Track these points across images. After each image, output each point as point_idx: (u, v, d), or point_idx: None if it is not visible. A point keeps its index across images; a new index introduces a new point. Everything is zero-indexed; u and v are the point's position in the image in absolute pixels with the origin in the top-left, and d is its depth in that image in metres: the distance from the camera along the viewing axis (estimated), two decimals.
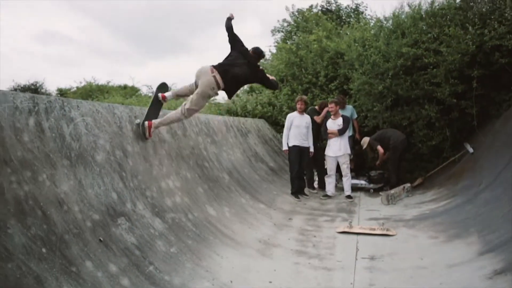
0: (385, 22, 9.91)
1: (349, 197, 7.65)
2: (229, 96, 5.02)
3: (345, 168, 7.67)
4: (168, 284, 3.30)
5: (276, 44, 15.84)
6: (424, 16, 8.77)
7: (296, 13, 16.18)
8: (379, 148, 8.19)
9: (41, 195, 2.89)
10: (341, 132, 7.65)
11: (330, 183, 7.80)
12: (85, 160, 3.57)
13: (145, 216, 3.92)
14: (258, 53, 5.20)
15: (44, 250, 2.62)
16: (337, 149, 7.66)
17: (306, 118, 7.81)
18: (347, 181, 7.69)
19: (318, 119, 8.30)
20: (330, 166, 7.81)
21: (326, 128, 7.87)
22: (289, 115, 7.97)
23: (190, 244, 4.12)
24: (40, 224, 2.73)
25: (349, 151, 7.81)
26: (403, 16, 9.25)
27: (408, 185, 7.91)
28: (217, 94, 4.83)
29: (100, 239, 3.18)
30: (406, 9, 9.36)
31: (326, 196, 7.76)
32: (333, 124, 7.74)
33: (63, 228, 2.91)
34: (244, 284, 3.75)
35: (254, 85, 14.06)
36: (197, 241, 4.27)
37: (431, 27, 8.35)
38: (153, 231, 3.84)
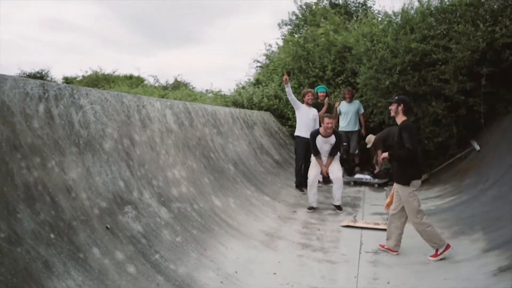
0: (393, 17, 9.82)
1: (338, 207, 6.51)
2: None
3: (338, 176, 6.53)
4: (173, 273, 3.32)
5: (283, 37, 15.74)
6: (433, 11, 8.70)
7: (304, 7, 16.07)
8: (379, 152, 8.10)
9: (50, 181, 2.91)
10: (333, 154, 6.59)
11: (314, 194, 6.49)
12: (93, 148, 3.58)
13: (151, 205, 3.94)
14: None
15: (52, 235, 2.64)
16: (331, 171, 6.59)
17: (314, 110, 7.76)
18: (339, 189, 6.52)
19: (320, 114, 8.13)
20: (313, 176, 6.51)
21: (315, 146, 6.57)
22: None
23: (195, 234, 4.14)
24: (49, 210, 2.75)
25: (340, 168, 6.76)
26: (412, 12, 9.18)
27: None
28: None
29: (107, 227, 3.20)
30: (416, 4, 9.29)
31: (312, 208, 6.47)
32: (324, 144, 6.54)
33: (71, 214, 2.92)
34: (249, 275, 3.78)
35: (261, 77, 14.05)
36: (202, 231, 4.29)
37: (440, 23, 8.28)
38: (159, 220, 3.86)
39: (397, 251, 4.54)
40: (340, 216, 6.14)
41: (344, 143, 8.89)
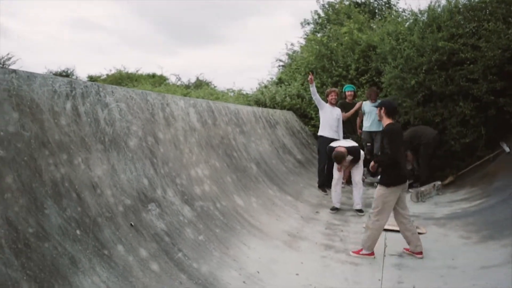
0: (420, 16, 9.62)
1: (360, 211, 6.37)
2: None
3: (358, 180, 6.52)
4: (196, 271, 3.32)
5: (305, 36, 15.65)
6: (461, 9, 8.47)
7: (327, 6, 15.93)
8: (408, 154, 7.97)
9: (76, 178, 2.94)
10: (354, 163, 6.52)
11: (338, 194, 6.48)
12: (118, 145, 3.62)
13: (174, 203, 3.95)
14: None
15: (78, 232, 2.67)
16: (352, 174, 6.62)
17: (337, 110, 7.68)
18: (359, 193, 6.48)
19: (345, 117, 8.09)
20: (337, 176, 6.50)
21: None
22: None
23: (218, 232, 4.13)
24: (75, 206, 2.78)
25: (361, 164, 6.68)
26: (439, 10, 8.97)
27: (438, 183, 7.70)
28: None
29: (131, 224, 3.22)
30: (443, 2, 9.08)
31: (335, 209, 6.42)
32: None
33: (96, 211, 2.95)
34: (271, 275, 3.75)
35: (283, 76, 13.99)
36: (225, 230, 4.28)
37: (469, 21, 8.06)
38: (182, 218, 3.87)
39: (421, 254, 4.43)
40: (363, 217, 6.05)
41: (368, 144, 8.77)
